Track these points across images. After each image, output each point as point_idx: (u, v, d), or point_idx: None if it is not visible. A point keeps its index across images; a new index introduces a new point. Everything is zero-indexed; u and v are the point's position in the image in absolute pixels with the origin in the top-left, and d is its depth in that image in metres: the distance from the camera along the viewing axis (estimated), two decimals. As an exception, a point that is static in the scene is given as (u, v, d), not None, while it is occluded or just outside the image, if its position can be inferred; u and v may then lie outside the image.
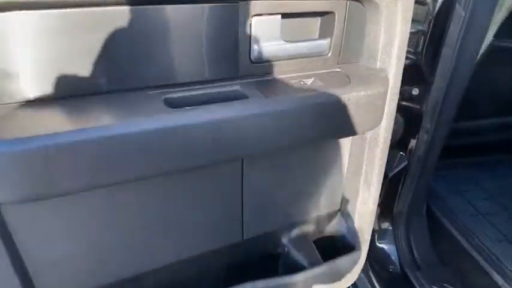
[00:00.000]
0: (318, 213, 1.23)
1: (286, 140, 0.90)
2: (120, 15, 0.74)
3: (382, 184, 1.16)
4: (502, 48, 1.65)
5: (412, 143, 1.41)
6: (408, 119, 1.38)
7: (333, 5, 0.94)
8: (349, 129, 0.97)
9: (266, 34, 0.89)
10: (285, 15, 0.90)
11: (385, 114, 1.04)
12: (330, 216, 1.27)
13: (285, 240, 1.21)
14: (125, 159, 0.73)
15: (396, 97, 1.05)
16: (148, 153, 0.74)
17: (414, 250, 1.52)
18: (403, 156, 1.45)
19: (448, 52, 1.20)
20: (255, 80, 0.92)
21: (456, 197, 1.73)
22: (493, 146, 2.00)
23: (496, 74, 1.75)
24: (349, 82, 0.95)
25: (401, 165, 1.46)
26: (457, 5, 1.13)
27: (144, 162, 0.75)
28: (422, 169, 1.42)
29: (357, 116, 0.95)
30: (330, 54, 1.00)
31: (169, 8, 0.78)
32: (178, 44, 0.82)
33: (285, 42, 0.92)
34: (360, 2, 0.95)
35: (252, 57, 0.91)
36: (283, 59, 0.95)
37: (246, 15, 0.85)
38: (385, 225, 1.58)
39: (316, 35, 1.00)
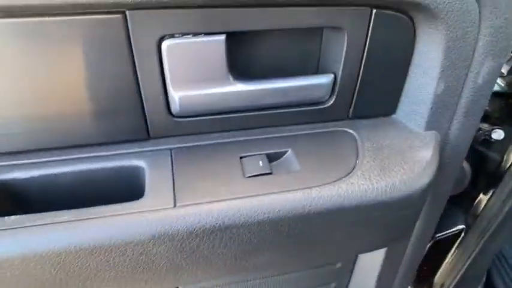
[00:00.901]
0: None
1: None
2: None
3: None
4: None
5: (481, 200, 0.93)
6: (478, 170, 0.89)
7: (342, 16, 0.46)
8: (343, 255, 0.54)
9: (199, 67, 0.46)
10: (235, 34, 0.45)
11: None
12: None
13: None
14: None
15: (451, 180, 0.58)
16: None
17: None
18: (459, 214, 0.98)
19: None
20: (175, 146, 0.51)
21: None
22: None
23: None
24: (355, 164, 0.50)
25: (456, 228, 0.99)
26: None
27: None
28: (492, 239, 0.95)
29: (360, 237, 0.51)
30: (331, 102, 0.53)
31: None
32: (23, 79, 0.43)
33: (236, 81, 0.48)
34: (402, 12, 0.46)
35: (172, 108, 0.49)
36: (235, 111, 0.51)
37: (147, 36, 0.42)
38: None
39: (309, 67, 0.53)
